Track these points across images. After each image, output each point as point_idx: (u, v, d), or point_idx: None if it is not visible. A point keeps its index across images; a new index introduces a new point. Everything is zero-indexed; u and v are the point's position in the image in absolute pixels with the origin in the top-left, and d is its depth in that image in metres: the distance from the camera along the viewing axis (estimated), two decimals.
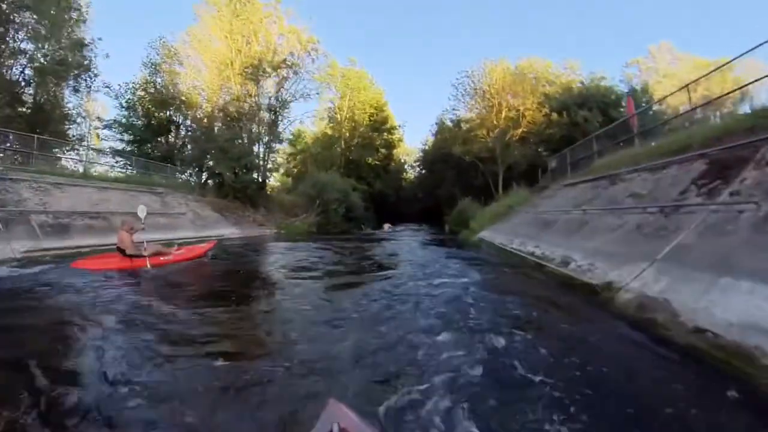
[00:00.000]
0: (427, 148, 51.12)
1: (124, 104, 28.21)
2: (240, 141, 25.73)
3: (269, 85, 30.36)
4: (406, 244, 17.04)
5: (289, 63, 29.81)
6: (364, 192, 39.30)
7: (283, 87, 30.80)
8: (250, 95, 28.65)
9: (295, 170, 44.97)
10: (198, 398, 2.89)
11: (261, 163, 28.10)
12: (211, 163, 24.84)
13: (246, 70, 27.32)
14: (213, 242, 12.59)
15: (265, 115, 29.84)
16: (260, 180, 28.31)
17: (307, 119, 43.14)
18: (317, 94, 36.19)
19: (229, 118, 27.12)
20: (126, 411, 2.69)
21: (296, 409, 2.69)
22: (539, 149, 29.82)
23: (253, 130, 27.47)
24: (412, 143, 66.64)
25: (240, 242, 16.92)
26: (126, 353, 3.67)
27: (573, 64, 34.06)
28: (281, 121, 31.60)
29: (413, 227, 38.49)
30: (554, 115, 28.31)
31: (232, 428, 2.55)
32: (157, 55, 29.36)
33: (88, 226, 13.67)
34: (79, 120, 27.38)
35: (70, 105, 25.97)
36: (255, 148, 27.95)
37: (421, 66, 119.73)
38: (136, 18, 68.52)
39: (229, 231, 19.71)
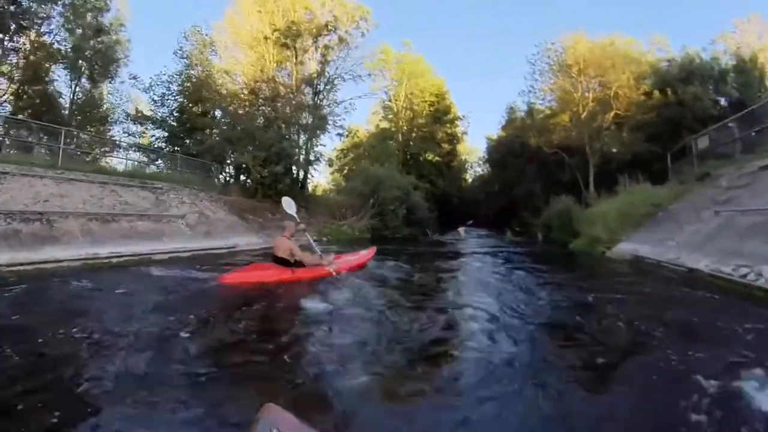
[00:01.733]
0: (493, 142, 44.80)
1: (156, 98, 24.84)
2: (273, 127, 20.55)
3: (311, 63, 25.21)
4: (521, 265, 10.84)
5: (332, 27, 24.29)
6: (426, 191, 33.20)
7: (327, 62, 25.36)
8: (289, 72, 23.65)
9: (346, 168, 39.46)
10: None
11: (300, 153, 22.61)
12: (235, 154, 19.79)
13: (282, 38, 22.16)
14: (372, 250, 10.06)
15: (306, 96, 24.58)
16: (298, 174, 23.20)
17: (359, 105, 37.78)
18: (369, 75, 30.54)
19: (261, 100, 22.07)
20: None
21: None
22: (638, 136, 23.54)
23: (291, 114, 22.09)
24: (472, 142, 60.26)
25: (247, 257, 11.54)
26: None
27: (659, 39, 27.58)
28: (326, 104, 26.25)
29: (483, 232, 32.00)
30: (656, 93, 22.78)
31: None
32: (191, 45, 25.89)
33: (14, 231, 8.68)
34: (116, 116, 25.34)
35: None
36: (293, 136, 22.54)
37: (480, 59, 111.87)
38: (168, 7, 65.42)
39: (246, 240, 14.41)
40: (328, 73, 25.57)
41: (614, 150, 24.68)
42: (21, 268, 7.68)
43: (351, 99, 28.96)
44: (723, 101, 21.58)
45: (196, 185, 16.48)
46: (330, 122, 26.03)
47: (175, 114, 24.94)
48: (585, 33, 26.86)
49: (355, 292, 6.37)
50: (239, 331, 4.28)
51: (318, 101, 25.12)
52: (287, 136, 20.56)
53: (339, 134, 38.28)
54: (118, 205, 11.75)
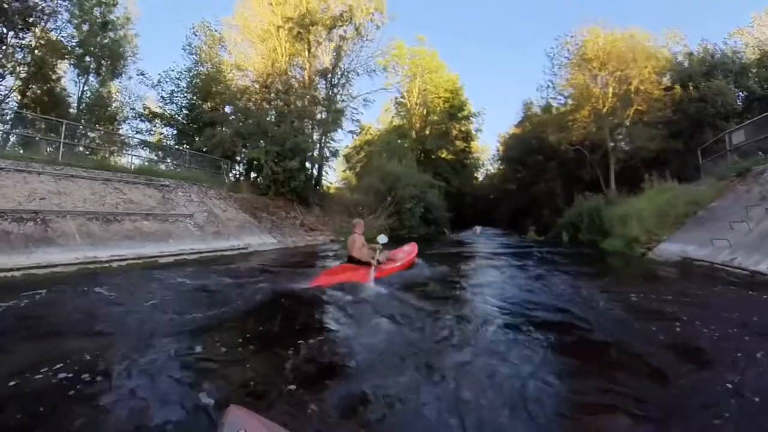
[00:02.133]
0: (507, 139, 43.57)
1: (165, 95, 24.19)
2: (287, 122, 19.56)
3: (325, 57, 24.19)
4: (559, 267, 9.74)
5: (347, 18, 23.22)
6: (440, 190, 31.98)
7: (341, 56, 24.31)
8: (301, 66, 22.71)
9: (359, 165, 38.31)
10: None
11: (315, 149, 21.56)
12: (246, 149, 18.84)
13: (295, 28, 21.22)
14: (413, 245, 9.90)
15: (320, 89, 23.57)
16: (313, 171, 22.24)
17: (374, 99, 36.59)
18: (384, 69, 29.51)
19: (273, 94, 21.13)
20: None
21: None
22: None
23: (305, 108, 21.05)
24: (484, 140, 59.00)
25: (262, 260, 10.52)
26: None
27: (676, 33, 26.36)
28: (341, 98, 25.17)
29: (499, 232, 30.83)
30: (676, 88, 22.12)
31: None
32: (200, 40, 25.34)
33: (4, 232, 7.81)
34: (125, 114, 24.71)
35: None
36: (307, 131, 21.50)
37: (492, 56, 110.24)
38: (177, 2, 64.25)
39: (260, 240, 13.45)
40: (343, 66, 24.52)
41: (636, 146, 23.31)
42: (9, 274, 6.80)
43: (367, 93, 27.51)
44: (744, 96, 21.02)
45: (205, 182, 15.58)
46: (346, 116, 25.02)
47: (185, 111, 24.24)
48: (604, 25, 25.68)
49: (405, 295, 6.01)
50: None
51: (332, 95, 24.08)
52: (302, 131, 19.49)
53: (351, 132, 37.71)
54: (121, 203, 10.86)
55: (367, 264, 6.93)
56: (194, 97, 24.04)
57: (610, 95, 24.93)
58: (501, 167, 48.74)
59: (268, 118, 19.66)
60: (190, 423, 2.34)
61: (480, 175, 55.43)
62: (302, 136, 18.45)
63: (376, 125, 41.37)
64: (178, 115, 24.15)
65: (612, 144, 25.22)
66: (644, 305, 5.32)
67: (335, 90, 24.24)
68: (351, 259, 7.16)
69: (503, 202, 40.36)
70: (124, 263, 8.34)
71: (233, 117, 20.87)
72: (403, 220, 23.52)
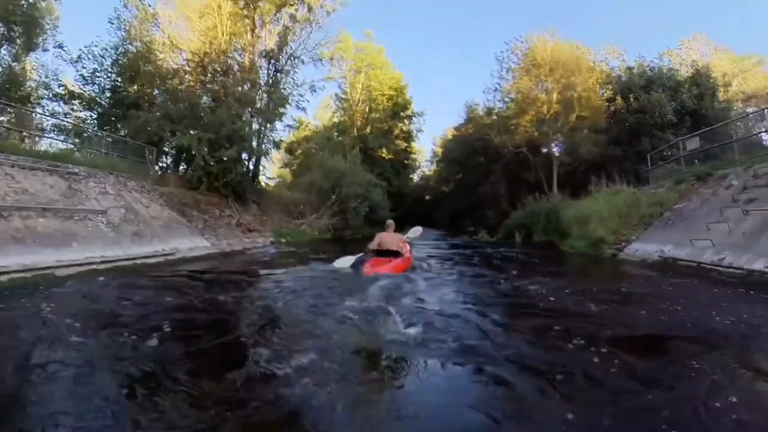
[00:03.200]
0: (448, 141, 43.51)
1: (87, 74, 20.32)
2: (223, 106, 17.37)
3: (270, 38, 21.93)
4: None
5: None
6: (383, 189, 30.77)
7: (288, 39, 22.11)
8: (243, 47, 20.46)
9: (296, 163, 36.14)
10: None
11: (255, 141, 19.30)
12: (176, 135, 16.34)
13: (240, 2, 19.01)
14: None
15: (263, 74, 21.45)
16: (250, 165, 20.17)
17: (324, 86, 34.40)
18: (331, 59, 27.69)
19: (209, 76, 18.80)
20: None
21: None
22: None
23: (245, 92, 18.77)
24: (423, 142, 58.99)
25: (195, 268, 8.59)
26: None
27: (614, 50, 27.86)
28: (285, 86, 23.03)
29: (441, 233, 30.01)
30: (618, 99, 23.29)
31: None
32: (130, 13, 21.52)
33: None
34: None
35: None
36: (246, 119, 19.11)
37: (429, 59, 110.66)
38: None
39: (190, 243, 11.39)
40: (289, 50, 22.44)
41: (580, 151, 23.97)
42: None
43: (313, 81, 25.30)
44: (677, 109, 22.11)
45: (126, 173, 13.23)
46: (291, 104, 22.89)
47: (108, 93, 20.70)
48: (553, 34, 26.66)
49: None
50: None
51: (276, 80, 22.00)
52: (241, 117, 17.29)
53: (289, 126, 35.49)
54: (11, 194, 8.52)
55: (398, 254, 7.95)
56: (119, 78, 20.67)
57: (554, 101, 25.49)
58: (437, 169, 48.71)
59: (203, 102, 17.38)
60: None
61: (416, 177, 55.04)
62: (241, 123, 16.25)
63: (314, 122, 39.52)
64: (100, 98, 20.71)
65: (555, 148, 26.35)
66: (661, 312, 4.88)
67: (279, 76, 22.15)
68: (380, 252, 8.08)
69: (445, 203, 39.86)
70: (4, 278, 6.24)
71: (161, 98, 18.10)
72: (347, 219, 22.12)
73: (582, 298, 5.58)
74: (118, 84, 20.51)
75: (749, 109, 24.77)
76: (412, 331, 3.85)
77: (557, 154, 25.97)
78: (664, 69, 24.56)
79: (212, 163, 15.68)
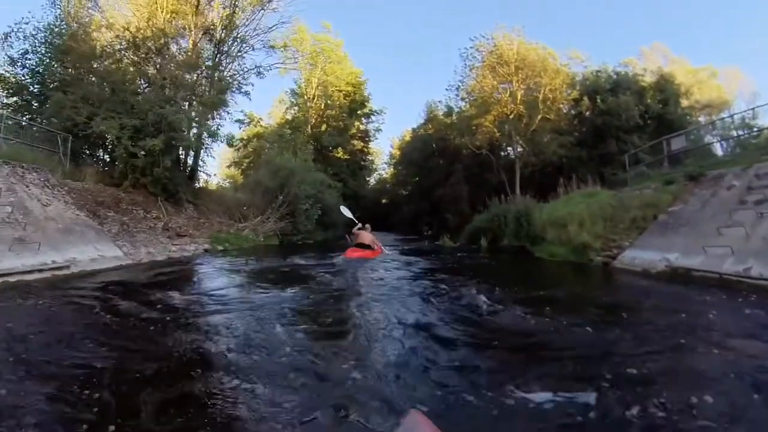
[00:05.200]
0: (407, 142, 42.61)
1: (16, 56, 16.99)
2: (153, 88, 15.03)
3: (217, 19, 19.57)
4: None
5: None
6: (338, 191, 28.96)
7: (236, 21, 19.77)
8: (185, 27, 18.09)
9: (246, 161, 33.59)
10: None
11: (192, 128, 16.40)
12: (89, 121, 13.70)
13: None
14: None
15: (206, 55, 18.99)
16: (188, 160, 17.86)
17: (261, 94, 32.31)
18: (285, 47, 25.64)
19: (143, 55, 16.35)
20: None
21: None
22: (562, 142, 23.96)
23: (181, 73, 16.40)
24: (377, 144, 57.50)
25: (81, 293, 6.50)
26: None
27: (577, 54, 27.71)
28: (230, 72, 20.77)
29: (400, 237, 28.40)
30: (585, 101, 23.75)
31: None
32: None
33: None
34: None
35: None
36: (184, 107, 16.53)
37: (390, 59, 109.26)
38: None
39: (96, 252, 9.07)
40: (239, 33, 20.14)
41: (545, 153, 23.67)
42: None
43: (260, 67, 22.79)
44: (642, 112, 22.43)
45: (26, 162, 10.84)
46: (233, 89, 20.46)
47: (38, 77, 17.67)
48: (519, 33, 26.06)
49: None
50: None
51: (219, 60, 19.60)
52: (173, 101, 14.91)
53: (239, 121, 33.03)
54: None
55: (372, 248, 11.97)
56: (49, 59, 17.30)
57: (518, 101, 24.88)
58: (395, 170, 47.45)
59: (133, 85, 14.95)
60: None
61: (372, 180, 53.42)
62: (172, 107, 13.89)
63: (267, 120, 37.22)
64: (30, 81, 17.44)
65: (519, 149, 25.58)
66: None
67: (224, 60, 19.82)
68: (359, 245, 11.72)
69: (404, 206, 38.43)
70: None
71: (82, 78, 15.34)
72: (297, 223, 20.11)
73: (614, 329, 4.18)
74: (48, 65, 17.42)
75: (701, 119, 26.74)
76: None
77: (520, 156, 25.28)
78: (629, 74, 24.90)
79: (137, 154, 13.35)
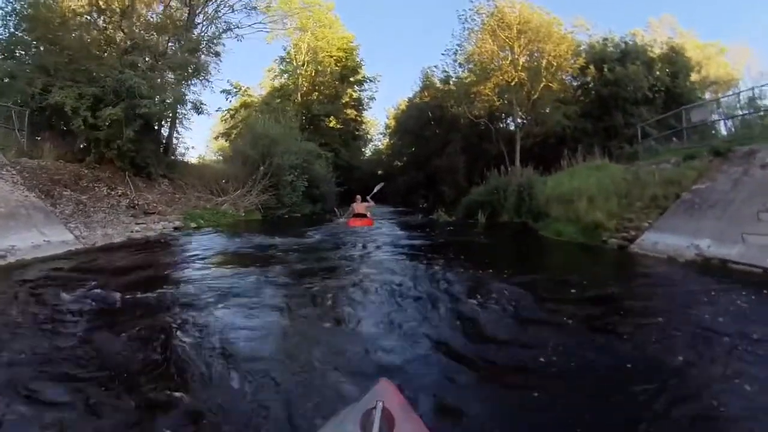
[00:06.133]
0: (402, 110, 40.92)
1: None
2: (114, 52, 13.81)
3: None
4: None
5: None
6: (328, 161, 27.81)
7: None
8: None
9: (234, 132, 32.25)
10: None
11: (166, 96, 14.54)
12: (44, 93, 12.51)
13: None
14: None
15: (180, 16, 17.41)
16: (161, 131, 16.76)
17: (251, 65, 30.67)
18: (267, 11, 23.98)
19: (107, 18, 15.00)
20: None
21: None
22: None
23: (147, 35, 15.09)
24: (372, 114, 55.91)
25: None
26: None
27: (582, 22, 25.96)
28: (205, 30, 19.31)
29: (392, 209, 27.45)
30: (591, 69, 22.75)
31: None
32: None
33: None
34: None
35: None
36: (154, 74, 15.09)
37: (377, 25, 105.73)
38: None
39: (42, 237, 7.99)
40: None
41: (548, 123, 22.55)
42: None
43: (239, 27, 20.95)
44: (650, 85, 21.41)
45: None
46: (205, 49, 18.77)
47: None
48: None
49: None
50: None
51: (193, 21, 18.09)
52: (138, 65, 13.58)
53: (225, 91, 31.64)
54: None
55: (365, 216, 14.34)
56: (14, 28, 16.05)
57: (520, 67, 23.25)
58: (391, 141, 46.15)
59: (95, 51, 13.73)
60: None
61: (368, 151, 52.08)
62: (133, 73, 12.63)
63: (259, 91, 35.72)
64: None
65: (520, 120, 24.18)
66: None
67: (201, 22, 18.35)
68: (357, 215, 14.29)
69: (398, 178, 37.38)
70: None
71: (39, 47, 14.00)
72: (281, 196, 19.16)
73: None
74: (14, 36, 15.98)
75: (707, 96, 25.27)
76: None
77: (521, 126, 23.95)
78: (638, 43, 23.59)
79: (102, 127, 12.30)
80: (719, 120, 15.89)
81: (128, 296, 4.71)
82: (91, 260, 7.52)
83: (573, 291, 5.21)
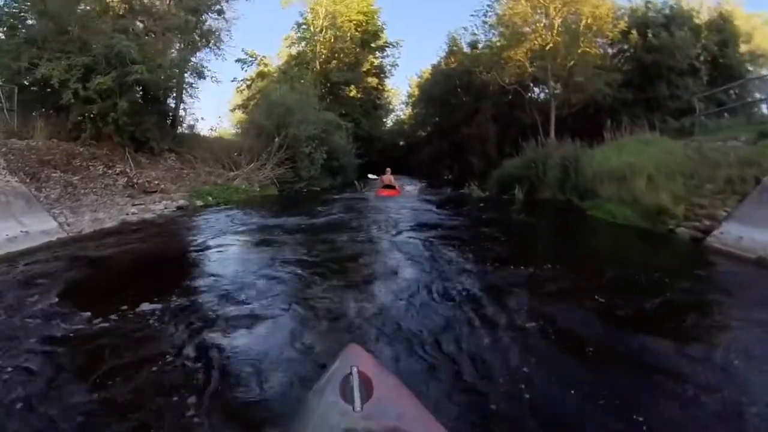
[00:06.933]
0: (426, 78, 38.25)
1: None
2: (103, 19, 12.58)
3: None
4: None
5: None
6: (349, 132, 26.39)
7: None
8: None
9: (251, 104, 30.98)
10: None
11: (172, 67, 13.88)
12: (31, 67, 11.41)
13: None
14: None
15: None
16: (164, 101, 15.62)
17: (269, 34, 29.50)
18: None
19: None
20: None
21: None
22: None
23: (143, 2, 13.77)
24: (394, 83, 53.86)
25: None
26: None
27: None
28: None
29: (416, 183, 26.07)
30: (633, 34, 20.48)
31: None
32: None
33: None
34: None
35: None
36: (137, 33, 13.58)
37: None
38: None
39: (19, 227, 6.86)
40: None
41: (587, 90, 20.35)
42: None
43: None
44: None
45: None
46: (206, 8, 17.14)
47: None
48: None
49: None
50: None
51: None
52: (131, 29, 12.31)
53: (240, 60, 30.36)
54: None
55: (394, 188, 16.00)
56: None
57: (555, 31, 21.10)
58: (414, 111, 44.09)
59: (86, 19, 12.52)
60: None
61: (390, 122, 50.19)
62: (124, 38, 11.34)
63: (276, 60, 34.21)
64: None
65: (555, 87, 22.05)
66: None
67: None
68: (386, 186, 16.00)
69: (423, 147, 35.65)
70: None
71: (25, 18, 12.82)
72: (299, 169, 18.01)
73: None
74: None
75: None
76: None
77: (556, 95, 21.92)
78: (684, 7, 21.33)
79: (97, 100, 11.22)
80: None
81: (96, 317, 3.59)
82: (70, 254, 6.46)
83: (647, 301, 3.95)
